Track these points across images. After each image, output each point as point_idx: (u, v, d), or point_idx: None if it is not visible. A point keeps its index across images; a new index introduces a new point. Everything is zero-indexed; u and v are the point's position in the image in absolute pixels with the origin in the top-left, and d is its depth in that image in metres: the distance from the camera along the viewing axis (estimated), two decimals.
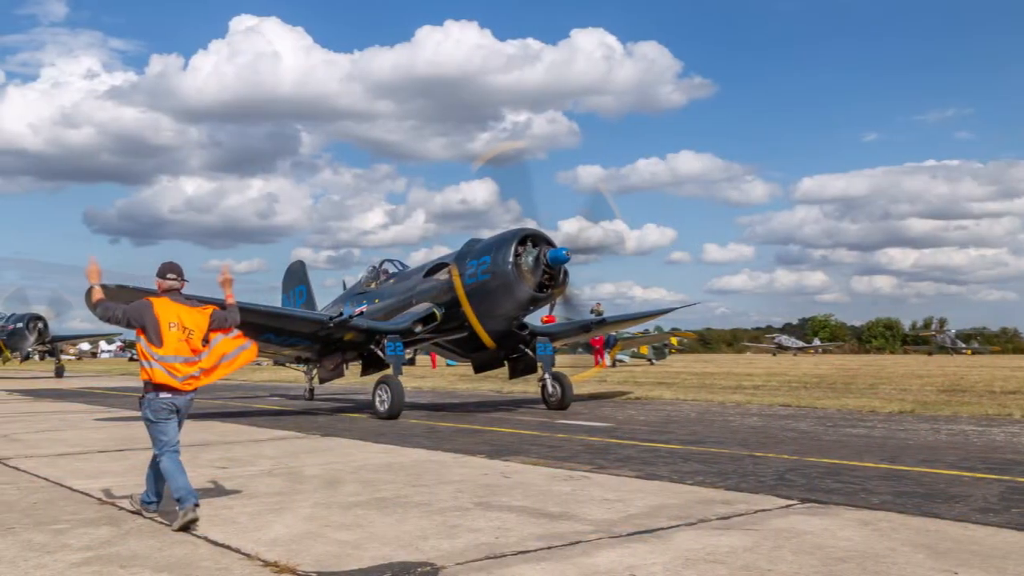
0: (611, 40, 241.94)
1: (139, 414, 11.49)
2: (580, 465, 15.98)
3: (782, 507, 11.75)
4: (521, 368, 32.45)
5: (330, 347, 31.22)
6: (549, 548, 9.36)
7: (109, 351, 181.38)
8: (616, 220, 30.43)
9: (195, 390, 11.45)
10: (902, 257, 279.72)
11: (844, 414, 27.24)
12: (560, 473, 15.02)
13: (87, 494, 13.13)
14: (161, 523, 10.85)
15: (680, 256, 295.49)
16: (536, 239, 27.80)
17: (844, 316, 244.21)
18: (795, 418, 26.04)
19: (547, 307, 29.61)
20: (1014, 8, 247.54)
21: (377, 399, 27.76)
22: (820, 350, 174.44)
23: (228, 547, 9.48)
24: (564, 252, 27.38)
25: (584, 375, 45.65)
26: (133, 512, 11.56)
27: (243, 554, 9.15)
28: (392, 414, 27.07)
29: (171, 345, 11.12)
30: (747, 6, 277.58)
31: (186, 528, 10.28)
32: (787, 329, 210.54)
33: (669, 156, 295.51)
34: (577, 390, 34.08)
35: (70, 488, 13.73)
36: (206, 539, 9.88)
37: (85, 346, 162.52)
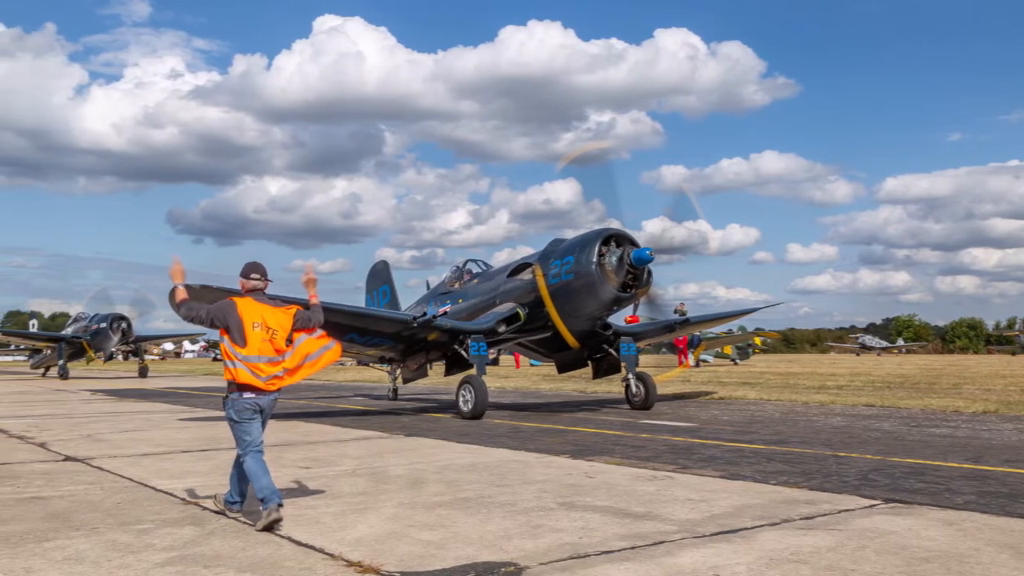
0: (695, 40, 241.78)
1: (223, 414, 11.51)
2: (664, 465, 15.89)
3: (866, 507, 11.62)
4: (605, 368, 32.39)
5: (414, 347, 31.21)
6: (633, 548, 9.28)
7: (193, 351, 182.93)
8: (700, 220, 30.27)
9: (279, 390, 11.45)
10: (985, 257, 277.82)
11: (928, 414, 26.96)
12: (644, 473, 14.93)
13: (171, 494, 13.18)
14: (245, 523, 10.86)
15: (764, 256, 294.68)
16: (620, 239, 27.70)
17: (928, 316, 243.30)
18: (879, 418, 25.78)
19: (631, 307, 29.52)
20: None
21: (461, 399, 27.76)
22: (904, 350, 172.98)
23: (312, 547, 9.46)
24: (648, 252, 27.25)
25: (668, 375, 45.50)
26: (217, 512, 11.58)
27: (327, 554, 9.13)
28: (476, 414, 27.05)
29: (255, 345, 11.11)
30: (832, 6, 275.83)
31: (270, 528, 10.27)
32: (871, 329, 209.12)
33: (752, 156, 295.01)
34: (661, 390, 34.01)
35: (154, 488, 13.80)
36: (290, 539, 9.86)
37: (169, 346, 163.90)
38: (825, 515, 11.06)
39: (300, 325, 11.71)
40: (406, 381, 35.95)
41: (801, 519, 10.81)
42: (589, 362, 32.64)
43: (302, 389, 44.48)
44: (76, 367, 78.17)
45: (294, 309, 11.72)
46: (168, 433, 23.04)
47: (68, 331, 69.77)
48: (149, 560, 8.97)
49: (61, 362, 67.38)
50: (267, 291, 11.76)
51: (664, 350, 69.37)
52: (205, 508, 11.94)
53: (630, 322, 31.86)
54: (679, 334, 44.26)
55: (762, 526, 10.37)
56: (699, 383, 46.82)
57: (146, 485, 14.09)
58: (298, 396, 39.08)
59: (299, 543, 9.67)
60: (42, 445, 20.11)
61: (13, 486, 14.26)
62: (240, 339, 11.09)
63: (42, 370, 77.11)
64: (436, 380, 44.74)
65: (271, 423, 11.78)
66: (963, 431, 21.76)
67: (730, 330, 75.73)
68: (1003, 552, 8.99)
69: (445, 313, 30.61)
